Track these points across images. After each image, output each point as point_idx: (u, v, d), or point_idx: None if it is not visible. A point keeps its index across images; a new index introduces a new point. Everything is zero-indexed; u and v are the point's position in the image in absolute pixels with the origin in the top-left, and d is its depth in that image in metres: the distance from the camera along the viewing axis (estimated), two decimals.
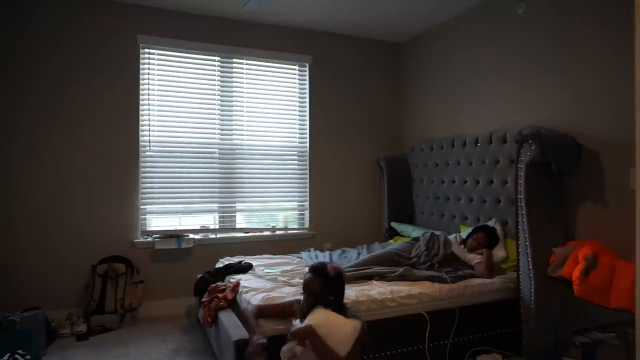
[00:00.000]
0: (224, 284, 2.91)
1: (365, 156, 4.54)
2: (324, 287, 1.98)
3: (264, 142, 4.15)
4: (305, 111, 4.31)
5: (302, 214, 4.34)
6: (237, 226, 4.06)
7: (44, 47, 3.40)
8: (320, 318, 1.89)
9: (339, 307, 2.00)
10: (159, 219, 3.83)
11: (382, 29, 4.27)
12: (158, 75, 3.77)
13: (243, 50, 4.00)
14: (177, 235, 3.72)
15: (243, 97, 4.05)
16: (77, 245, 3.47)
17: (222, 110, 3.98)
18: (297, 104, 4.30)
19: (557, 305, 2.59)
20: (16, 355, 2.47)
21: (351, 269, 2.83)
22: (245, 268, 3.07)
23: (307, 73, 4.30)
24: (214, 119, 3.96)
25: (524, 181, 2.60)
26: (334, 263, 2.24)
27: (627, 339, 2.19)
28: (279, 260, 3.37)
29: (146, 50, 3.72)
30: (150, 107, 3.73)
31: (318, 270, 2.03)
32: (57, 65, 3.43)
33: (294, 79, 4.29)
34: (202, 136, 3.91)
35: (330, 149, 4.38)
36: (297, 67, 4.29)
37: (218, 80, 3.97)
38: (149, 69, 3.73)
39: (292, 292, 2.45)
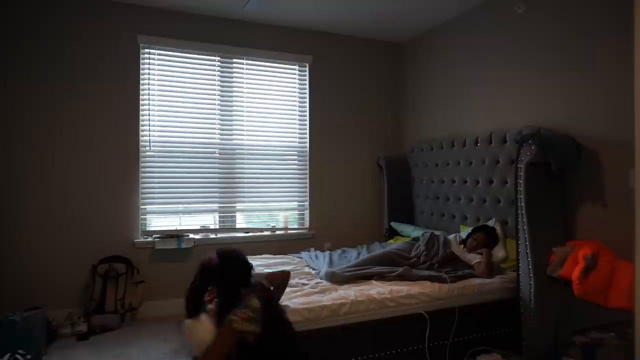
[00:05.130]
0: None
1: (365, 156, 4.54)
2: (219, 279, 1.90)
3: (264, 142, 4.15)
4: (305, 111, 4.31)
5: (302, 214, 4.34)
6: (237, 226, 4.07)
7: (44, 47, 3.40)
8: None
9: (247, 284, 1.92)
10: (159, 219, 3.83)
11: (382, 29, 4.27)
12: (158, 75, 3.77)
13: (243, 50, 4.00)
14: (177, 235, 3.72)
15: (243, 97, 4.05)
16: (78, 245, 3.48)
17: (222, 110, 3.98)
18: (297, 104, 4.30)
19: (557, 305, 2.59)
20: (16, 355, 2.48)
21: (351, 269, 2.83)
22: None
23: (307, 73, 4.30)
24: (214, 119, 3.96)
25: (524, 181, 2.59)
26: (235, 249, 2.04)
27: (626, 339, 2.19)
28: (279, 260, 3.38)
29: (146, 50, 3.72)
30: (150, 107, 3.73)
31: (203, 270, 1.92)
32: (57, 65, 3.43)
33: (294, 79, 4.29)
34: (202, 136, 3.91)
35: (330, 149, 4.38)
36: (297, 67, 4.29)
37: (218, 81, 3.97)
38: (149, 69, 3.73)
39: (290, 292, 2.44)
